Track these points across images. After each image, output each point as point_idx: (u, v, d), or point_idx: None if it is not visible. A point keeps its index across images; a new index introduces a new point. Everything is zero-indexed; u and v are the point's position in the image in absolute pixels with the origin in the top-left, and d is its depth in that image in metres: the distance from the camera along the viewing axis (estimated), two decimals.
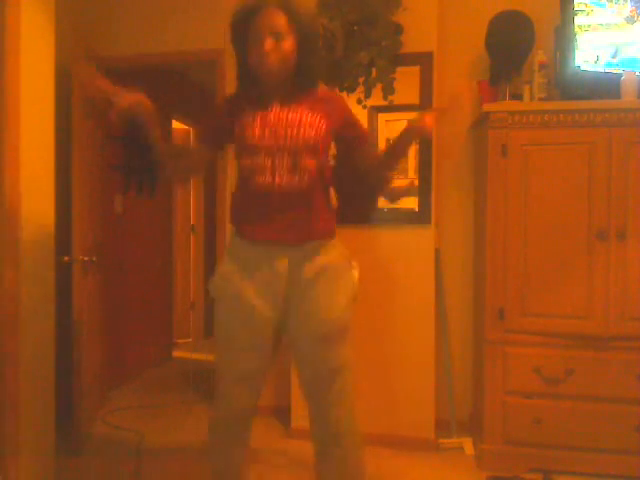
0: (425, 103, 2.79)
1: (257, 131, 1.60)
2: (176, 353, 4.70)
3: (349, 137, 1.77)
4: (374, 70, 2.73)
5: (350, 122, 1.76)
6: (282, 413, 3.08)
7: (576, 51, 2.54)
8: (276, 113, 1.62)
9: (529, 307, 2.54)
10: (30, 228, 2.12)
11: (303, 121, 1.61)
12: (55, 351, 2.32)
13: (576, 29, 2.52)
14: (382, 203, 2.84)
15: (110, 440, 2.94)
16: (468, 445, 2.80)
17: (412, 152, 2.85)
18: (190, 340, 5.15)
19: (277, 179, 1.59)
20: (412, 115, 2.80)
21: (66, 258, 2.60)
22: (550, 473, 2.48)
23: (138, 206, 4.06)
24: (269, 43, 1.57)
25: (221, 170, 3.33)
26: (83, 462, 2.67)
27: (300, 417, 2.73)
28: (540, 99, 2.63)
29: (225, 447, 1.80)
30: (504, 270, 2.55)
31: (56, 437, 2.33)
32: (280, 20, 1.58)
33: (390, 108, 2.78)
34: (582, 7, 2.52)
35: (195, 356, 4.68)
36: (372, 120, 2.88)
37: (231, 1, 1.73)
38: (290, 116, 1.61)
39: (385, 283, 2.85)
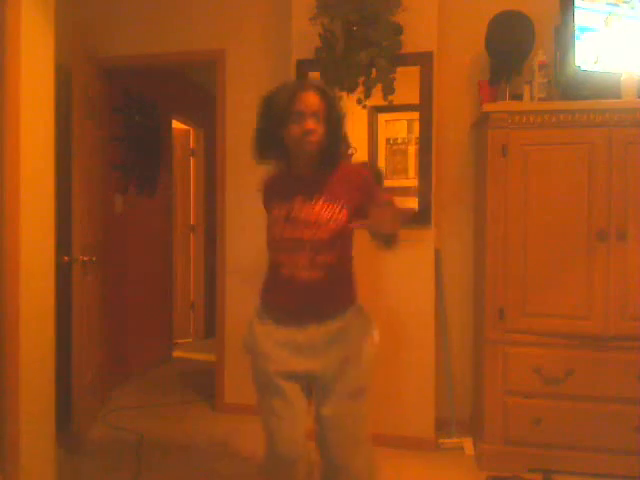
0: (425, 103, 2.79)
1: (279, 230, 1.76)
2: (176, 353, 4.69)
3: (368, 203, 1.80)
4: (374, 70, 2.73)
5: (368, 197, 1.76)
6: None
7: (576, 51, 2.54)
8: (299, 208, 1.74)
9: (529, 307, 2.54)
10: (30, 228, 2.12)
11: (322, 218, 1.72)
12: (55, 351, 2.32)
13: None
14: None
15: (110, 440, 2.94)
16: (468, 445, 2.81)
17: (412, 152, 2.86)
18: (190, 340, 5.14)
19: (297, 272, 1.74)
20: (412, 115, 2.84)
21: (66, 258, 2.60)
22: (550, 473, 2.49)
23: (138, 206, 4.06)
24: (312, 122, 1.69)
25: (221, 169, 3.33)
26: (83, 462, 2.67)
27: None
28: (540, 99, 2.63)
29: None
30: (504, 270, 2.55)
31: (56, 437, 2.33)
32: (319, 104, 1.71)
33: (390, 108, 2.78)
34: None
35: (195, 356, 4.68)
36: (372, 120, 2.88)
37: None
38: (311, 212, 1.73)
39: (385, 283, 2.85)
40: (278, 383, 1.78)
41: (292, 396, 1.79)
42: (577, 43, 2.54)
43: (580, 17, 2.54)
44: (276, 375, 1.78)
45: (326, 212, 1.73)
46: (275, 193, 1.83)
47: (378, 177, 2.87)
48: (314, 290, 1.75)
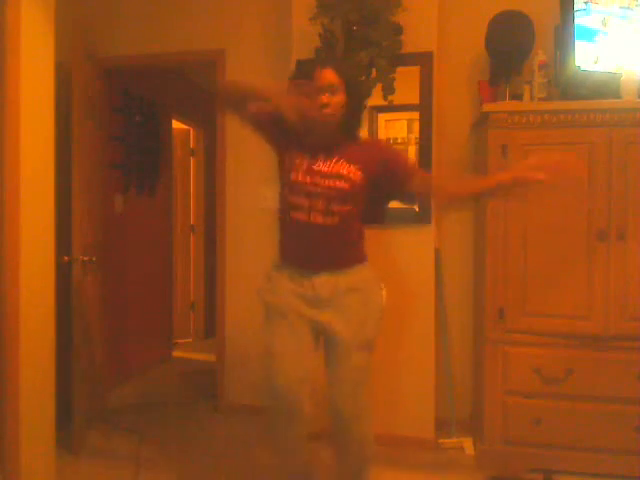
0: (425, 103, 2.79)
1: (301, 175, 1.90)
2: (176, 353, 4.69)
3: (394, 179, 1.97)
4: (374, 70, 2.73)
5: (390, 167, 1.96)
6: None
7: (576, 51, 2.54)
8: (319, 164, 1.91)
9: (529, 307, 2.54)
10: (30, 228, 2.12)
11: (340, 173, 1.89)
12: (55, 351, 2.32)
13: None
14: None
15: (110, 440, 2.94)
16: (468, 445, 2.81)
17: (412, 152, 2.86)
18: (190, 340, 5.14)
19: (312, 217, 1.88)
20: (412, 115, 2.84)
21: (66, 258, 2.60)
22: (550, 473, 2.49)
23: (138, 206, 4.06)
24: (326, 97, 1.87)
25: (221, 169, 3.33)
26: (83, 462, 2.67)
27: None
28: (540, 99, 2.63)
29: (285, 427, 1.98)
30: (504, 270, 2.55)
31: (56, 437, 2.33)
32: (335, 78, 1.89)
33: (390, 108, 2.78)
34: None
35: (195, 356, 4.68)
36: (372, 120, 2.88)
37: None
38: (330, 168, 1.90)
39: (385, 283, 2.84)
40: (290, 313, 1.93)
41: (300, 330, 1.94)
42: (577, 43, 2.54)
43: (580, 17, 2.54)
44: (290, 309, 1.93)
45: (343, 169, 1.90)
46: (298, 142, 1.96)
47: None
48: (328, 236, 1.90)
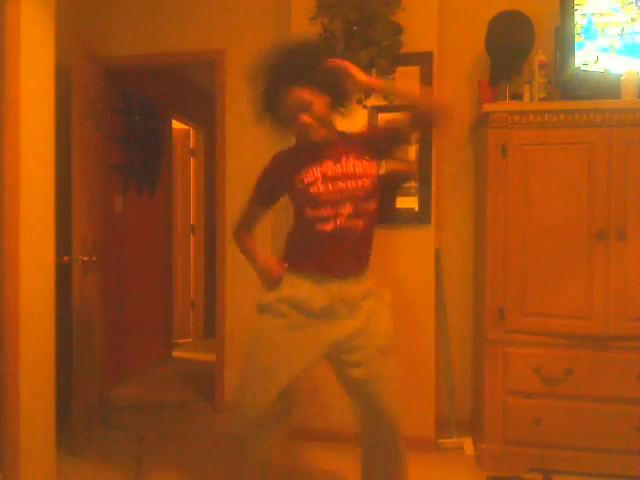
0: None
1: (321, 187, 1.78)
2: (176, 353, 4.70)
3: (386, 141, 1.91)
4: (374, 70, 2.73)
5: (379, 134, 1.95)
6: None
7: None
8: (333, 168, 1.81)
9: (529, 307, 2.54)
10: (30, 228, 2.12)
11: (358, 172, 1.80)
12: (55, 351, 2.32)
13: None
14: None
15: (110, 440, 2.94)
16: (468, 445, 2.81)
17: (412, 152, 2.86)
18: (190, 340, 5.14)
19: (339, 223, 1.78)
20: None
21: (66, 258, 2.60)
22: (550, 473, 2.48)
23: (138, 206, 4.06)
24: (304, 117, 1.75)
25: (221, 169, 3.33)
26: (83, 462, 2.67)
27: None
28: (540, 99, 2.63)
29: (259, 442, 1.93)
30: (504, 270, 2.55)
31: (56, 437, 2.33)
32: (303, 93, 1.74)
33: (390, 108, 2.77)
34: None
35: (195, 356, 4.69)
36: (372, 120, 2.88)
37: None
38: (346, 169, 1.80)
39: (385, 283, 2.83)
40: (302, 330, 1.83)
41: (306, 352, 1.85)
42: (577, 43, 2.54)
43: (580, 17, 2.54)
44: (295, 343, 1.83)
45: (359, 167, 1.82)
46: (297, 164, 1.84)
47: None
48: (357, 240, 1.82)
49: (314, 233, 1.81)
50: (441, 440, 2.85)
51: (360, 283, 1.87)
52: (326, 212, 1.77)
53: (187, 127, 5.09)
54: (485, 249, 2.60)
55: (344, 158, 1.82)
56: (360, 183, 1.79)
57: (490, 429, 2.58)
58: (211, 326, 4.43)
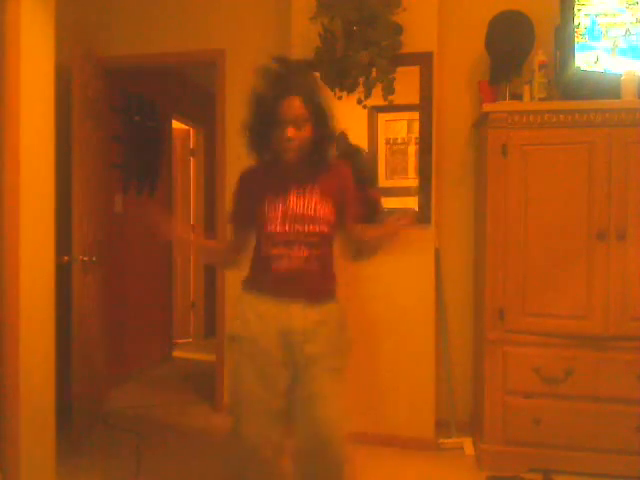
0: (425, 103, 2.79)
1: (279, 226, 1.77)
2: (176, 353, 4.69)
3: (343, 212, 1.88)
4: (374, 70, 2.73)
5: (348, 201, 1.89)
6: None
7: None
8: (294, 202, 1.78)
9: (529, 307, 2.54)
10: (30, 228, 2.12)
11: (317, 216, 1.78)
12: (55, 351, 2.32)
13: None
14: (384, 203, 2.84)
15: (110, 440, 2.94)
16: (468, 445, 2.80)
17: (412, 152, 2.86)
18: (190, 340, 5.14)
19: (293, 264, 1.77)
20: (412, 115, 2.84)
21: (66, 258, 2.60)
22: (550, 473, 2.48)
23: (138, 206, 4.06)
24: (291, 131, 1.72)
25: (221, 169, 3.33)
26: (83, 462, 2.67)
27: None
28: (540, 99, 2.63)
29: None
30: (504, 270, 2.55)
31: (56, 437, 2.33)
32: (300, 110, 1.72)
33: (390, 108, 2.78)
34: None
35: (195, 356, 4.68)
36: (372, 120, 2.88)
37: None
38: (309, 208, 1.78)
39: (385, 283, 2.84)
40: (265, 354, 1.79)
41: (276, 374, 1.79)
42: (581, 44, 2.54)
43: (584, 17, 2.54)
44: (266, 347, 1.79)
45: (321, 209, 1.79)
46: (263, 186, 1.82)
47: (371, 176, 2.86)
48: (307, 280, 1.79)
49: (268, 268, 1.80)
50: (441, 440, 2.85)
51: (315, 309, 1.80)
52: (279, 251, 1.76)
53: (187, 127, 5.08)
54: (485, 249, 2.60)
55: (309, 191, 1.79)
56: (318, 228, 1.77)
57: (490, 429, 2.58)
58: (211, 326, 4.43)
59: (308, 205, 1.78)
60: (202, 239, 2.08)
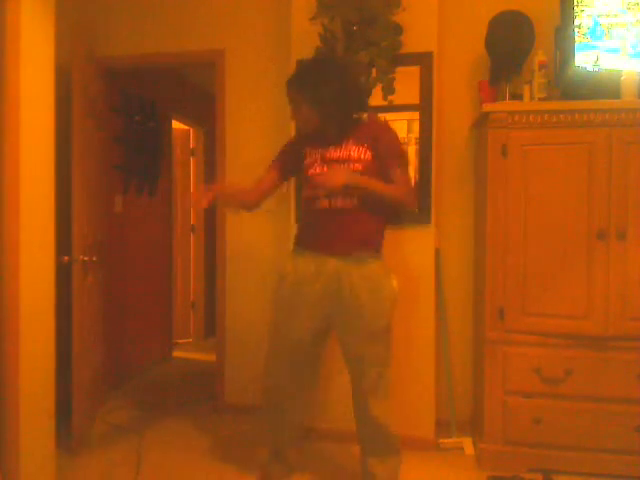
0: (425, 103, 2.79)
1: (318, 169, 2.09)
2: (176, 353, 4.69)
3: (380, 156, 2.11)
4: (374, 70, 2.73)
5: (385, 159, 2.09)
6: None
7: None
8: (331, 152, 2.10)
9: (529, 307, 2.54)
10: (30, 228, 2.12)
11: (351, 156, 2.06)
12: (55, 351, 2.32)
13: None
14: None
15: (110, 440, 2.94)
16: (468, 445, 2.81)
17: (412, 152, 2.86)
18: (190, 340, 5.14)
19: (332, 202, 2.05)
20: (412, 115, 2.84)
21: (66, 258, 2.60)
22: (550, 473, 2.49)
23: (138, 206, 4.06)
24: (291, 110, 2.16)
25: (221, 169, 3.33)
26: (83, 462, 2.67)
27: None
28: (540, 99, 2.63)
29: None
30: (504, 270, 2.55)
31: (56, 437, 2.33)
32: (291, 94, 2.14)
33: (390, 108, 2.78)
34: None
35: (195, 356, 4.68)
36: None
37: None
38: (341, 154, 2.08)
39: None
40: (302, 309, 2.11)
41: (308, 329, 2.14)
42: (583, 44, 2.53)
43: (587, 18, 2.54)
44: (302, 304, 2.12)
45: (354, 151, 2.06)
46: (308, 142, 2.18)
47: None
48: (348, 217, 2.04)
49: (311, 211, 2.11)
50: (441, 440, 2.85)
51: (361, 266, 2.05)
52: (321, 191, 2.01)
53: (187, 127, 5.08)
54: (485, 249, 2.60)
55: (344, 143, 2.08)
56: (352, 166, 2.02)
57: (490, 429, 2.58)
58: (211, 326, 4.43)
59: (342, 152, 2.08)
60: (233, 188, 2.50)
